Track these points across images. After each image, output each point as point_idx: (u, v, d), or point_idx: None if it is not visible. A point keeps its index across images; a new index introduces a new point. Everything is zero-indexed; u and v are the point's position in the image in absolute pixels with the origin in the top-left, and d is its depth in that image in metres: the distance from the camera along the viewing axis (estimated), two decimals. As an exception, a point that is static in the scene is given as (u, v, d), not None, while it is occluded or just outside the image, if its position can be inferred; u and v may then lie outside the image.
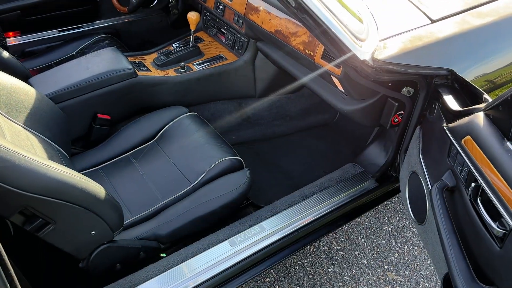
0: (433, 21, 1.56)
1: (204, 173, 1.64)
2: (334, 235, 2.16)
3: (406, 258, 2.08)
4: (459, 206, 1.17)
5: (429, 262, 2.06)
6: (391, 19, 1.55)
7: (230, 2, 2.08)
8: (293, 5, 1.16)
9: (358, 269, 2.02)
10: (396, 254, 2.10)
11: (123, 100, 1.98)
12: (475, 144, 1.07)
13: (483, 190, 1.03)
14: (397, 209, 2.30)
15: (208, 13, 2.37)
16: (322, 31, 1.24)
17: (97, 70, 1.88)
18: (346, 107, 1.72)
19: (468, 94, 1.33)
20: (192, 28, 2.16)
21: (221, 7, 2.21)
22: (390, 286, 1.95)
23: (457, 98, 1.33)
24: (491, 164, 1.00)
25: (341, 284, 1.95)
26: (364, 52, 1.33)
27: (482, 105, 1.14)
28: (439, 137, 1.32)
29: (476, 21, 1.58)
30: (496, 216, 0.99)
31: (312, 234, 1.65)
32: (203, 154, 1.72)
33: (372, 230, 2.19)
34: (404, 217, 2.27)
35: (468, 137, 1.10)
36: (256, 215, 1.62)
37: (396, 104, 1.58)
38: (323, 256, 2.06)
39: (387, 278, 1.98)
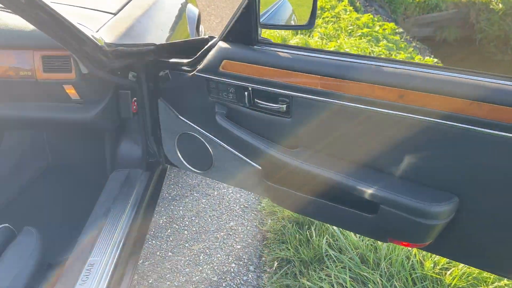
0: (115, 14, 1.74)
1: None
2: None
3: (182, 224, 2.21)
4: (249, 120, 1.37)
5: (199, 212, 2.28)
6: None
7: None
8: (23, 1, 1.13)
9: (174, 265, 2.01)
10: (176, 226, 2.19)
11: None
12: (235, 62, 1.28)
13: (255, 90, 1.29)
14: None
15: None
16: (58, 23, 1.23)
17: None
18: (86, 114, 1.62)
19: (183, 50, 1.51)
20: None
21: None
22: (203, 254, 2.08)
23: (180, 56, 1.50)
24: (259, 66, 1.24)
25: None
26: (100, 38, 1.42)
27: (214, 41, 1.37)
28: (190, 89, 1.46)
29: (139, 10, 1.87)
30: (275, 101, 1.26)
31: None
32: None
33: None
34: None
35: (225, 61, 1.30)
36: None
37: (129, 91, 1.62)
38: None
39: (196, 250, 2.09)
